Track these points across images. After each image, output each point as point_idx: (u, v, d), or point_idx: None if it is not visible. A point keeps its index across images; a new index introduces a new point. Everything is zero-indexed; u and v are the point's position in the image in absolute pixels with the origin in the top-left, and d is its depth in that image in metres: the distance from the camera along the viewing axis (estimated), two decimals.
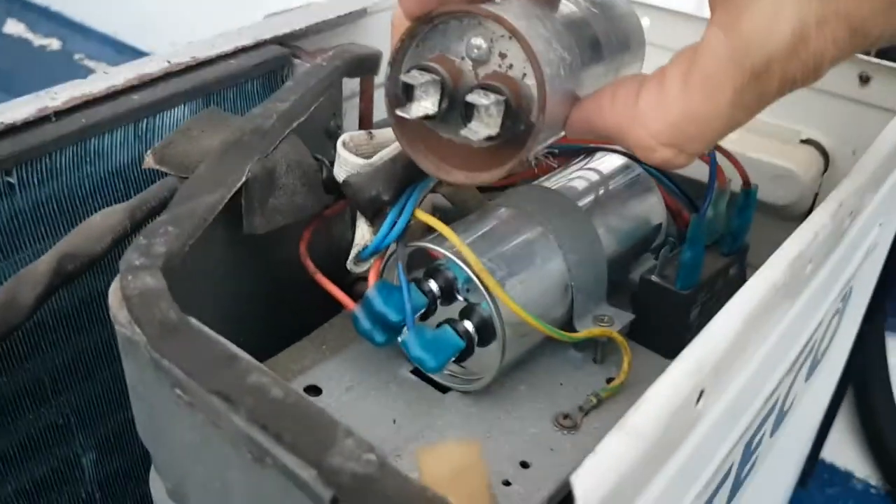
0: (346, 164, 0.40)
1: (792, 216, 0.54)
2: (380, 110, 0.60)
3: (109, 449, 0.50)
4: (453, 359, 0.39)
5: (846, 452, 1.10)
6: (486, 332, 0.39)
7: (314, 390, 0.40)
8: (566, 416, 0.39)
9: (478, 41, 0.34)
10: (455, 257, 0.38)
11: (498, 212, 0.42)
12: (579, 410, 0.40)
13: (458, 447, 0.24)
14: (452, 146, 0.36)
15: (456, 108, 0.34)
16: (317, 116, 0.45)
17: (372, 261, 0.41)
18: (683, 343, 0.44)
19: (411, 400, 0.40)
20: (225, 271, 0.41)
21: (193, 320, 0.29)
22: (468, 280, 0.39)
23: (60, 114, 0.41)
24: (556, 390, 0.41)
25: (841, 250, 0.38)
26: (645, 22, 0.42)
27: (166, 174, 0.40)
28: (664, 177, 0.48)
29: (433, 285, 0.40)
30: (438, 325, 0.39)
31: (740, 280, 0.47)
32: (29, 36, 1.85)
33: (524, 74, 0.33)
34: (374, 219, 0.40)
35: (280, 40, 0.52)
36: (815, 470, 0.98)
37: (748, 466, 0.39)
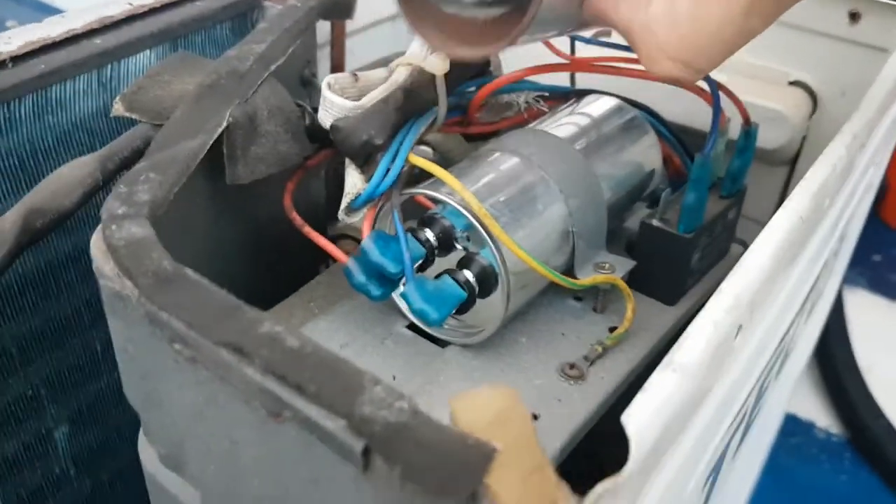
0: (334, 108, 0.38)
1: (779, 161, 0.53)
2: (352, 59, 0.57)
3: (83, 422, 0.47)
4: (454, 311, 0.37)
5: (808, 403, 1.13)
6: (487, 281, 0.37)
7: None
8: (572, 367, 0.38)
9: None
10: (457, 204, 0.36)
11: (493, 157, 0.40)
12: (585, 360, 0.38)
13: (494, 392, 0.22)
14: (456, 22, 0.33)
15: None
16: (291, 63, 0.42)
17: (364, 210, 0.38)
18: (684, 289, 0.44)
19: (410, 355, 0.39)
20: (206, 226, 0.38)
21: (190, 270, 0.26)
22: (467, 227, 0.37)
23: (17, 59, 0.38)
24: (558, 341, 0.40)
25: (849, 186, 0.37)
26: None
27: (137, 122, 0.37)
28: (657, 121, 0.47)
29: (429, 235, 0.38)
30: (437, 277, 0.38)
31: (735, 225, 0.46)
32: None
33: None
34: (365, 165, 0.38)
35: None
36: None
37: (758, 406, 0.38)
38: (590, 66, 0.45)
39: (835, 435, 1.10)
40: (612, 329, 0.40)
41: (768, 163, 0.53)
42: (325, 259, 0.47)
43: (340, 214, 0.39)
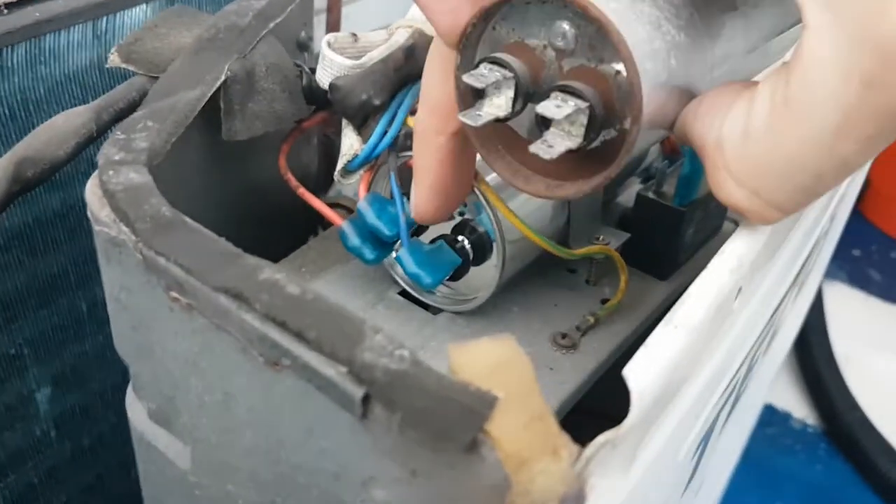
0: (333, 66, 0.37)
1: None
2: (348, 25, 0.57)
3: (66, 384, 0.46)
4: (447, 277, 0.37)
5: (785, 394, 1.14)
6: (482, 248, 0.37)
7: None
8: (564, 336, 0.38)
9: (563, 26, 0.26)
10: None
11: None
12: (577, 330, 0.38)
13: (492, 342, 0.22)
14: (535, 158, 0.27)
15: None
16: (288, 25, 0.41)
17: (360, 173, 0.38)
18: (677, 264, 0.44)
19: (401, 321, 0.38)
20: (198, 184, 0.38)
21: (188, 218, 0.26)
22: None
23: (11, 6, 0.37)
24: (550, 311, 0.40)
25: None
26: None
27: (133, 74, 0.36)
28: None
29: None
30: (432, 242, 0.37)
31: None
32: None
33: (617, 72, 0.25)
34: (363, 127, 0.38)
35: None
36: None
37: (746, 381, 0.39)
38: None
39: (810, 426, 1.11)
40: (604, 301, 0.40)
41: None
42: (316, 228, 0.47)
43: (336, 176, 0.38)
